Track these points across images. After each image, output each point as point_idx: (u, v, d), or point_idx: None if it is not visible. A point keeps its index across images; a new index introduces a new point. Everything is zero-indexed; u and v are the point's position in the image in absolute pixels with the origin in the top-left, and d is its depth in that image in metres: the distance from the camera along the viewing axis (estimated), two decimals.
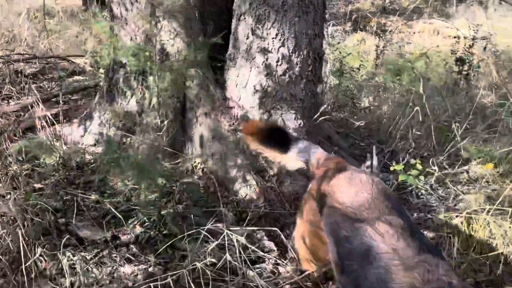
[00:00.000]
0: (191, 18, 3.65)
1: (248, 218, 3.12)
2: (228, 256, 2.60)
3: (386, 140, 4.48)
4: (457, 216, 3.08)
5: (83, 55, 5.85)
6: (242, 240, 2.68)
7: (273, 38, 3.40)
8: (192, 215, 2.95)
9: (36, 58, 5.76)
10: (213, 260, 2.59)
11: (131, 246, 2.83)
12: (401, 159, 3.83)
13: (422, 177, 3.70)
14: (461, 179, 3.87)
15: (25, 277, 2.41)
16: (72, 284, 2.49)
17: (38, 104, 3.83)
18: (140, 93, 3.66)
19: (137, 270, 2.65)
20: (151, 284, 2.34)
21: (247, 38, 3.46)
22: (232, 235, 2.71)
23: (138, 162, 2.85)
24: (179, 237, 2.72)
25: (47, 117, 3.67)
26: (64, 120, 3.95)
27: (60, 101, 3.95)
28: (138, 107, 3.67)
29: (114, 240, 2.85)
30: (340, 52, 5.51)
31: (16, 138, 3.79)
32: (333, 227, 2.06)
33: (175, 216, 2.99)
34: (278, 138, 2.75)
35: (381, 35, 7.17)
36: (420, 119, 4.29)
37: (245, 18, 3.46)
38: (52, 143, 3.60)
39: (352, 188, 2.14)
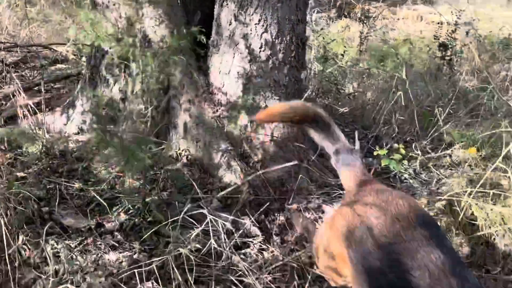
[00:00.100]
0: (174, 5, 3.63)
1: (232, 204, 3.13)
2: (212, 242, 2.62)
3: (370, 125, 4.52)
4: (440, 200, 3.12)
5: (66, 43, 5.79)
6: (226, 224, 2.69)
7: (255, 24, 3.39)
8: (176, 202, 2.96)
9: (17, 47, 5.68)
10: (198, 245, 2.60)
11: (116, 233, 2.83)
12: (384, 144, 3.87)
13: (405, 162, 3.75)
14: (444, 163, 3.92)
15: (9, 265, 2.40)
16: (56, 272, 2.49)
17: (20, 93, 3.79)
18: (123, 80, 3.64)
19: (122, 257, 2.64)
20: (135, 271, 2.35)
21: (229, 24, 3.45)
22: (217, 220, 2.72)
23: (124, 145, 2.83)
24: (163, 223, 2.72)
25: (29, 106, 3.64)
26: (47, 109, 3.92)
27: (42, 90, 3.91)
28: (121, 95, 3.65)
29: (98, 228, 2.85)
30: (323, 38, 5.51)
31: None
32: (364, 255, 1.83)
33: (159, 203, 2.99)
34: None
35: (365, 21, 7.17)
36: (404, 105, 4.32)
37: (227, 4, 3.44)
38: (35, 131, 3.57)
39: (387, 214, 1.86)
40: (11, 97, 4.01)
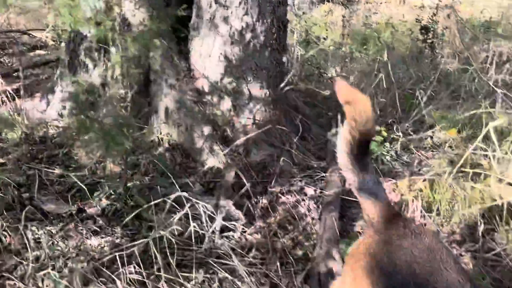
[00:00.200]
0: None
1: (215, 188, 3.13)
2: (195, 226, 2.61)
3: None
4: (421, 180, 3.14)
5: (44, 29, 5.71)
6: (209, 207, 2.69)
7: (236, 6, 3.36)
8: (159, 187, 2.95)
9: None
10: (179, 228, 2.60)
11: (98, 218, 2.81)
12: None
13: (387, 144, 3.76)
14: (425, 145, 3.94)
15: None
16: (37, 258, 2.46)
17: None
18: (103, 65, 3.60)
19: (104, 242, 2.63)
20: (117, 254, 2.34)
21: (210, 7, 3.42)
22: (199, 204, 2.71)
23: (104, 130, 2.80)
24: (145, 206, 2.70)
25: (8, 92, 3.59)
26: (26, 95, 3.87)
27: (21, 76, 3.86)
28: (101, 80, 3.61)
29: (79, 213, 2.83)
30: (305, 22, 5.50)
31: None
32: None
33: (141, 188, 2.97)
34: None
35: (348, 5, 7.17)
36: (386, 87, 4.34)
37: None
38: (14, 117, 3.53)
39: (414, 254, 1.64)
40: None
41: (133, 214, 2.67)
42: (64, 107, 3.74)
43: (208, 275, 2.48)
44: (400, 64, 5.28)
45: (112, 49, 3.43)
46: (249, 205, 3.07)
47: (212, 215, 2.79)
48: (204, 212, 2.74)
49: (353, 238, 2.76)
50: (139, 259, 2.40)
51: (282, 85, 3.61)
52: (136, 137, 3.39)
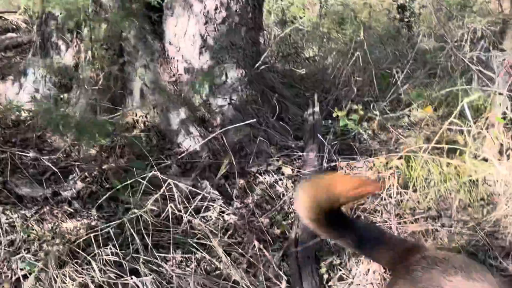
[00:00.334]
0: None
1: (192, 169, 3.11)
2: (172, 206, 2.60)
3: (330, 88, 4.52)
4: (397, 157, 3.15)
5: (16, 11, 5.58)
6: (186, 188, 2.68)
7: None
8: (134, 168, 2.91)
9: None
10: (155, 208, 2.58)
11: (73, 201, 2.78)
12: (344, 106, 3.86)
13: (364, 123, 3.77)
14: (402, 123, 3.96)
15: None
16: (12, 241, 2.43)
17: None
18: (76, 46, 3.53)
19: (80, 225, 2.60)
20: (92, 235, 2.31)
21: None
22: (176, 185, 2.69)
23: (76, 121, 2.77)
24: (119, 186, 2.67)
25: None
26: None
27: None
28: (74, 62, 3.55)
29: (54, 197, 2.79)
30: (282, 1, 5.46)
31: None
32: None
33: (117, 170, 2.94)
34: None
35: None
36: (363, 67, 4.33)
37: None
38: None
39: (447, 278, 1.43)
40: None
41: (108, 194, 2.64)
42: (37, 90, 3.66)
43: (185, 255, 2.47)
44: (378, 44, 5.27)
45: (85, 30, 3.37)
46: (227, 185, 3.06)
47: (189, 195, 2.78)
48: (181, 192, 2.72)
49: None
50: (115, 240, 2.37)
51: (258, 64, 3.59)
52: (111, 118, 3.35)
